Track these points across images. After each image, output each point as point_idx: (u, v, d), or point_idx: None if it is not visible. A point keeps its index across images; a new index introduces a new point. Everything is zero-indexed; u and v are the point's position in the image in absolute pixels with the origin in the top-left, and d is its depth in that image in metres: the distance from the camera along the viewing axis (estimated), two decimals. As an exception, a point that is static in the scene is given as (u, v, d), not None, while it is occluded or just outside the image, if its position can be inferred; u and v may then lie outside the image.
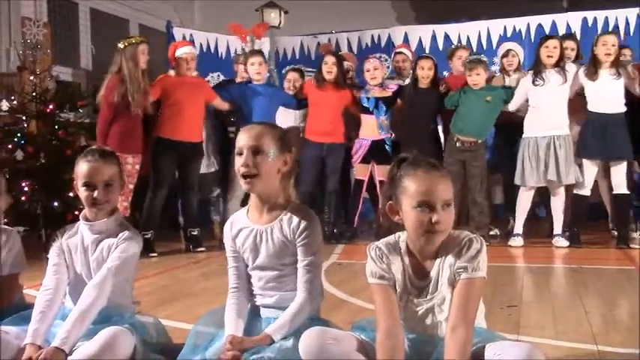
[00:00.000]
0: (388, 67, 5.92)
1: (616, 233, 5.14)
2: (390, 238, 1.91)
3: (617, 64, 4.89)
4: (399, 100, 5.52)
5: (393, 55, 6.13)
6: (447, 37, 7.03)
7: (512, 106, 5.19)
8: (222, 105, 5.42)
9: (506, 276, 3.92)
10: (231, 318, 2.03)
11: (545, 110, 5.00)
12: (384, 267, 1.86)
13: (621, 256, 4.64)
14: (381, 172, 5.35)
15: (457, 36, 7.01)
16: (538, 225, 5.71)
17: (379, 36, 7.34)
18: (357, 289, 3.36)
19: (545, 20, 6.81)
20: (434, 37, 7.07)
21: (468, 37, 6.97)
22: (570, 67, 5.08)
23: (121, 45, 4.83)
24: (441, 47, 6.94)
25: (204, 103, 5.25)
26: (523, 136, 5.11)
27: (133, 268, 2.26)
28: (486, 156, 5.32)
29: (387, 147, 5.46)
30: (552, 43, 5.06)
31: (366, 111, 5.50)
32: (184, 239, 5.25)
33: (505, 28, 6.90)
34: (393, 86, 5.58)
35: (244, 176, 1.98)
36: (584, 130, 5.01)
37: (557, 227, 5.10)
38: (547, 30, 6.70)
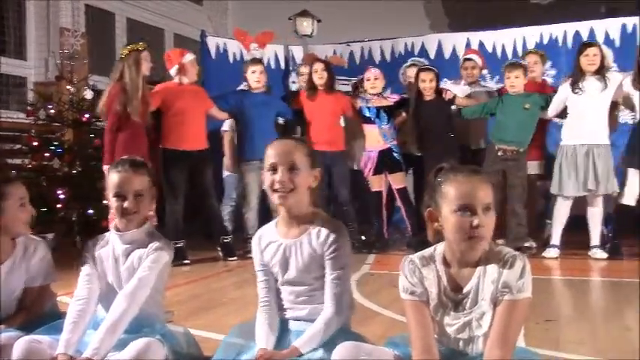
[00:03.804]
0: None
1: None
2: (427, 251, 1.87)
3: None
4: (403, 114, 5.50)
5: (461, 62, 6.01)
6: (481, 44, 6.93)
7: (550, 113, 5.10)
8: (219, 114, 5.41)
9: (542, 289, 3.83)
10: (263, 332, 2.02)
11: (584, 119, 4.89)
12: (415, 281, 1.82)
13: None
14: (396, 180, 5.30)
15: (492, 43, 6.91)
16: (576, 236, 5.56)
17: (412, 44, 7.28)
18: (390, 301, 3.30)
19: (583, 27, 6.67)
20: (468, 45, 6.97)
21: (504, 45, 6.86)
22: (613, 76, 4.96)
23: (122, 52, 4.83)
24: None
25: (204, 113, 5.23)
26: (561, 143, 5.01)
27: (164, 278, 2.26)
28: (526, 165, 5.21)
29: (395, 155, 5.41)
30: (592, 50, 4.95)
31: (368, 121, 5.47)
32: (218, 247, 5.25)
33: (542, 35, 6.78)
34: (394, 96, 5.57)
35: (277, 190, 1.97)
36: (633, 139, 4.89)
37: (595, 239, 4.97)
38: (585, 37, 6.56)
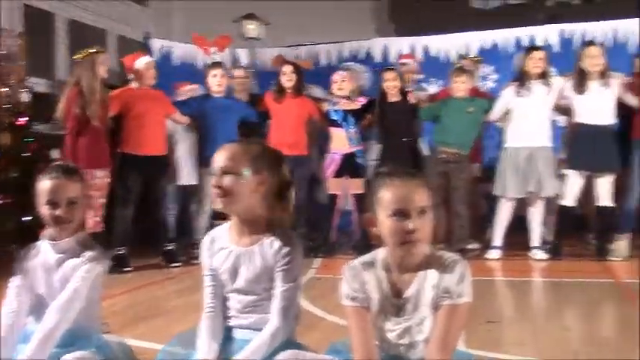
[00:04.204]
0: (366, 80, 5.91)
1: (594, 244, 5.12)
2: (368, 256, 1.86)
3: (604, 75, 4.92)
4: (369, 115, 5.49)
5: (399, 66, 6.06)
6: (426, 49, 7.02)
7: (493, 116, 5.19)
8: (181, 119, 5.33)
9: (484, 291, 3.88)
10: (205, 341, 1.95)
11: (527, 121, 5.00)
12: (357, 287, 1.81)
13: (601, 269, 4.62)
14: (354, 185, 5.30)
15: (437, 48, 7.01)
16: (517, 237, 5.67)
17: (358, 48, 7.33)
18: (335, 305, 3.27)
19: (524, 33, 6.83)
20: (413, 50, 7.05)
21: (448, 50, 6.96)
22: (556, 79, 5.09)
23: (78, 56, 4.73)
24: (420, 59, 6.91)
25: (165, 117, 5.16)
26: (504, 146, 5.11)
27: (99, 288, 2.18)
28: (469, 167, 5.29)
29: (358, 160, 5.41)
30: (538, 54, 5.08)
31: (335, 124, 5.45)
32: (161, 254, 5.15)
33: (484, 40, 6.91)
34: (361, 99, 5.55)
35: (218, 195, 1.93)
36: (573, 141, 5.03)
37: (535, 239, 5.07)
38: (525, 42, 6.72)
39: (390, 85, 5.34)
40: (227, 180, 1.90)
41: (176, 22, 9.03)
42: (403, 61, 6.10)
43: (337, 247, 5.48)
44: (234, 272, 1.98)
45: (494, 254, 5.08)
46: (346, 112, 5.44)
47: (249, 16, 7.12)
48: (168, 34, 8.35)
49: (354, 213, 5.46)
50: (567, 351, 2.59)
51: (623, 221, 4.97)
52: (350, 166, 5.38)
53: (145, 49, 6.88)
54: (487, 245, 5.25)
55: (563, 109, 5.17)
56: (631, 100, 4.95)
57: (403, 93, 5.40)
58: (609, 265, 4.71)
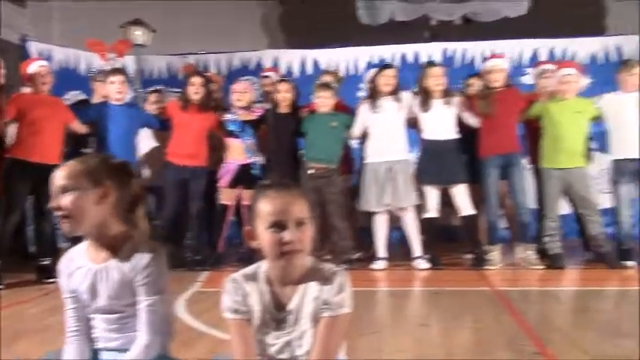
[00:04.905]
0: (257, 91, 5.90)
1: (472, 255, 5.34)
2: (250, 268, 1.83)
3: (446, 94, 5.19)
4: (264, 126, 5.47)
5: (260, 79, 6.12)
6: (315, 62, 7.13)
7: (355, 132, 5.34)
8: (80, 128, 5.13)
9: (368, 301, 3.96)
10: (71, 366, 1.85)
11: (384, 136, 5.19)
12: (239, 299, 1.78)
13: (478, 277, 4.83)
14: (248, 196, 5.25)
15: (326, 61, 7.13)
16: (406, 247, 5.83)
17: (249, 59, 7.32)
18: (219, 320, 3.22)
19: (409, 49, 7.09)
20: (303, 62, 7.13)
21: (337, 63, 7.10)
22: (406, 96, 5.32)
23: None
24: (310, 72, 7.00)
25: (63, 125, 4.96)
26: (364, 161, 5.26)
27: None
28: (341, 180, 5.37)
29: (254, 171, 5.38)
30: (390, 72, 5.29)
31: (232, 134, 5.41)
32: (35, 269, 4.86)
33: (372, 55, 7.11)
34: (259, 110, 5.54)
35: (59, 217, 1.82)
36: (421, 157, 5.28)
37: (417, 250, 5.22)
38: (410, 58, 7.00)
39: (281, 97, 5.36)
40: (66, 199, 1.80)
41: (56, 26, 8.60)
42: (266, 73, 6.18)
43: (225, 259, 5.39)
44: (93, 291, 1.87)
45: (379, 265, 5.19)
46: (244, 122, 5.40)
47: (136, 22, 6.92)
48: (48, 38, 7.94)
49: (244, 224, 5.40)
50: (446, 357, 2.68)
51: (491, 233, 5.24)
52: (245, 177, 5.33)
53: (22, 52, 6.54)
54: (373, 255, 5.35)
55: (414, 124, 5.39)
56: (469, 118, 5.25)
57: (294, 106, 5.43)
58: (485, 274, 4.93)
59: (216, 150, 5.46)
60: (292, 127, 5.37)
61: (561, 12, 7.55)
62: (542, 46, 6.93)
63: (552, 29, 7.05)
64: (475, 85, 5.44)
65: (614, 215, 5.22)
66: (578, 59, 6.63)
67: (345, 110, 5.54)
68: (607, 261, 5.00)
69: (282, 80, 5.60)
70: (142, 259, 1.84)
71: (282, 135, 5.35)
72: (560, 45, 6.91)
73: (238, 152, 5.38)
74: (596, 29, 7.77)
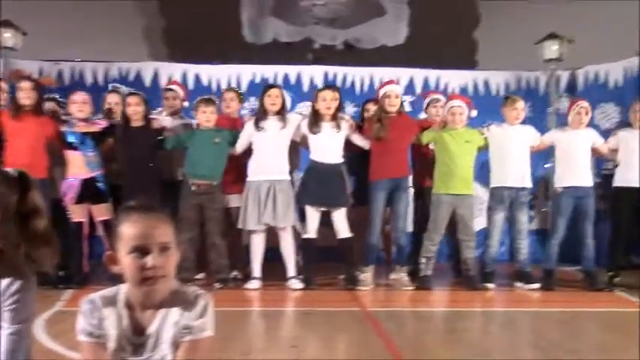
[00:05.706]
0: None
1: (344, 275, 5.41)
2: (110, 291, 1.76)
3: (336, 117, 5.31)
4: (110, 140, 5.30)
5: (163, 92, 5.91)
6: (197, 77, 7.03)
7: (238, 149, 5.34)
8: None
9: (240, 321, 3.91)
10: None
11: (266, 155, 5.23)
12: (94, 322, 1.70)
13: (350, 298, 4.92)
14: (99, 212, 5.06)
15: (208, 77, 7.05)
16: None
17: (128, 69, 7.08)
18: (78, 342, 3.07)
19: (292, 70, 7.17)
20: (185, 77, 7.01)
21: (219, 80, 7.04)
22: (292, 116, 5.40)
23: None
24: (191, 86, 6.89)
25: None
26: (247, 179, 5.26)
27: None
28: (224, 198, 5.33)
29: (99, 185, 5.16)
30: (274, 92, 5.36)
31: (71, 147, 5.16)
32: None
33: (255, 74, 7.11)
34: (101, 122, 5.36)
35: None
36: (305, 177, 5.35)
37: (291, 270, 5.24)
38: (292, 79, 7.07)
39: (132, 110, 5.24)
40: None
41: None
42: (170, 86, 6.03)
43: (91, 278, 5.13)
44: None
45: (253, 284, 5.15)
46: (84, 134, 5.18)
47: (5, 23, 6.52)
48: None
49: (105, 240, 5.16)
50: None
51: (367, 255, 5.36)
52: (91, 192, 5.10)
53: None
54: (249, 274, 5.31)
55: (307, 145, 5.47)
56: (359, 141, 5.42)
57: (147, 119, 5.32)
58: (357, 295, 5.03)
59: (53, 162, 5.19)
60: (147, 140, 5.25)
61: (436, 45, 7.95)
62: (417, 75, 7.24)
63: (427, 60, 7.40)
64: (371, 110, 5.59)
65: (484, 238, 5.54)
66: (449, 89, 7.00)
67: (233, 125, 5.51)
68: (471, 282, 5.26)
69: (131, 94, 5.44)
70: (13, 284, 1.73)
71: (134, 149, 5.20)
72: (434, 75, 7.25)
73: (78, 166, 5.13)
74: (467, 63, 8.24)
